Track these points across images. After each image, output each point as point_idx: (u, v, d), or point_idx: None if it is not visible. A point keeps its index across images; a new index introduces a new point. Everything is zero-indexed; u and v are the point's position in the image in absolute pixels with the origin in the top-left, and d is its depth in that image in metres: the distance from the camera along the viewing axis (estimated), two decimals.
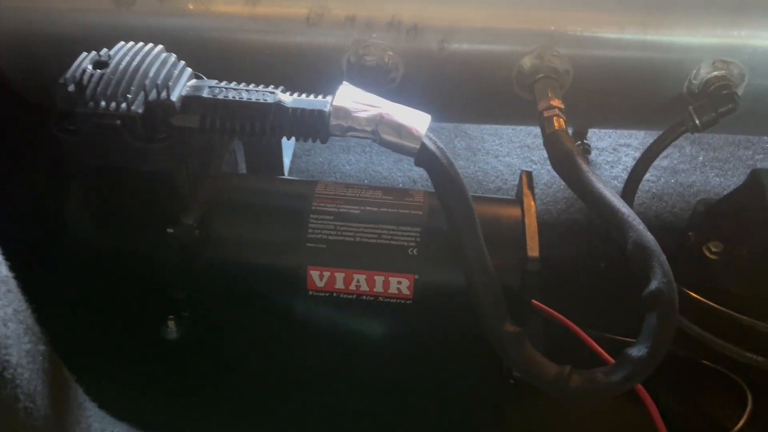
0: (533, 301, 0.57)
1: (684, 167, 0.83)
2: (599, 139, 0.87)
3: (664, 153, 0.87)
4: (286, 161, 0.82)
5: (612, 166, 0.84)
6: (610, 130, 0.88)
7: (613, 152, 0.85)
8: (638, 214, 0.78)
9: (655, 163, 0.85)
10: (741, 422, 0.52)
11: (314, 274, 0.54)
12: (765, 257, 0.59)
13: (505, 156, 0.85)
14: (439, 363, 0.59)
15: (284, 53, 0.66)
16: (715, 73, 0.63)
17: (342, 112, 0.49)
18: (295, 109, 0.49)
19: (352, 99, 0.50)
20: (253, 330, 0.61)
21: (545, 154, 0.57)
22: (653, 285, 0.46)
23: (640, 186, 0.81)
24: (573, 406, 0.56)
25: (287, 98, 0.50)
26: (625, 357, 0.46)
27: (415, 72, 0.66)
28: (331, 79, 0.55)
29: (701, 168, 0.83)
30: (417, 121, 0.49)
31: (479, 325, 0.49)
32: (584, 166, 0.54)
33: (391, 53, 0.65)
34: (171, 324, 0.60)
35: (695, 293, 0.61)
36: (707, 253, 0.63)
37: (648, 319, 0.46)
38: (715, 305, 0.59)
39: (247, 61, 0.66)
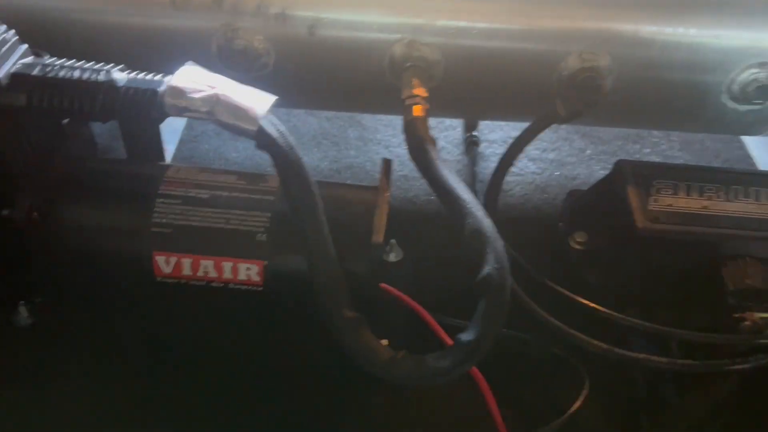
0: (383, 285, 0.56)
1: (571, 160, 0.84)
2: (491, 131, 0.87)
3: (552, 146, 0.88)
4: (171, 148, 0.81)
5: None
6: (502, 124, 0.88)
7: (503, 145, 0.85)
8: (519, 204, 0.81)
9: (543, 155, 0.87)
10: (577, 403, 0.53)
11: (160, 259, 0.53)
12: (620, 248, 0.60)
13: (396, 147, 0.85)
14: (297, 352, 0.59)
15: (152, 36, 0.65)
16: (583, 64, 0.64)
17: (177, 92, 0.48)
18: (127, 89, 0.48)
19: (192, 79, 0.49)
20: (105, 319, 0.59)
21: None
22: (485, 270, 0.46)
23: (524, 177, 0.83)
24: (419, 393, 0.57)
25: (122, 77, 0.48)
26: (456, 342, 0.46)
27: (286, 58, 0.65)
28: (203, 65, 0.54)
29: (587, 161, 0.84)
30: (257, 102, 0.49)
31: (318, 310, 0.49)
32: (432, 154, 0.54)
33: (260, 38, 0.64)
34: (23, 310, 0.58)
35: (562, 284, 0.62)
36: (572, 244, 0.64)
37: (479, 304, 0.46)
38: (572, 296, 0.59)
39: (114, 44, 0.65)
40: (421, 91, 0.60)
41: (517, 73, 0.66)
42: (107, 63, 0.51)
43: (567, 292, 0.59)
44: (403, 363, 0.47)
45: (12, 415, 0.57)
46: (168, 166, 0.56)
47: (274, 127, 0.48)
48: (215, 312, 0.55)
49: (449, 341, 0.53)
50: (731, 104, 0.67)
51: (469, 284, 0.67)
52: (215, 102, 0.47)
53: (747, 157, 0.86)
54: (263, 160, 0.83)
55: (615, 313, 0.57)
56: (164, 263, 0.53)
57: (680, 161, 0.85)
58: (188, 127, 0.85)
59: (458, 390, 0.55)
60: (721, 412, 0.55)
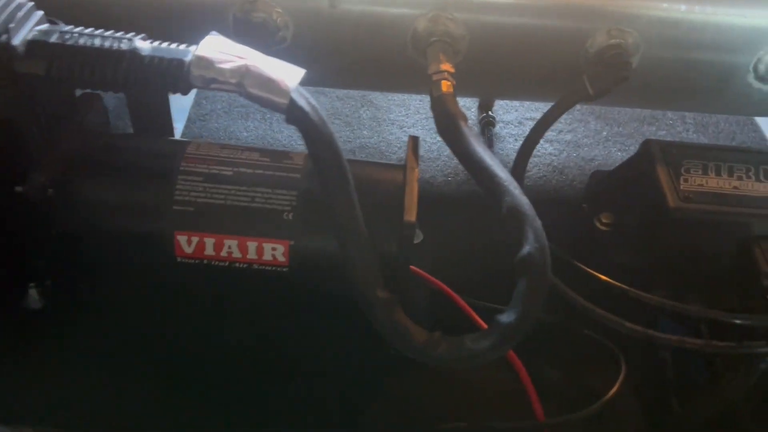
0: (413, 267, 0.55)
1: (587, 141, 0.83)
2: (506, 112, 0.86)
3: (569, 127, 0.87)
4: (180, 126, 0.78)
5: (516, 140, 0.83)
6: (517, 105, 0.87)
7: (518, 125, 0.84)
8: (538, 186, 0.79)
9: (559, 137, 0.86)
10: (614, 388, 0.51)
11: (182, 239, 0.51)
12: (651, 228, 0.58)
13: (410, 127, 0.83)
14: (317, 333, 0.57)
15: (165, 7, 0.62)
16: (611, 41, 0.62)
17: (204, 63, 0.45)
18: (152, 58, 0.45)
19: (218, 49, 0.47)
20: (123, 301, 0.57)
21: None
22: (525, 250, 0.44)
23: (542, 159, 0.81)
24: (452, 376, 0.55)
25: (146, 46, 0.46)
26: (495, 323, 0.45)
27: (305, 32, 0.63)
28: None
29: (604, 143, 0.83)
30: (288, 74, 0.46)
31: (351, 290, 0.47)
32: (465, 130, 0.52)
33: (279, 10, 0.62)
34: (33, 292, 0.56)
35: (587, 265, 0.61)
36: (598, 225, 0.63)
37: (518, 285, 0.44)
38: (602, 277, 0.58)
39: (124, 15, 0.62)
40: (448, 67, 0.58)
41: (543, 50, 0.64)
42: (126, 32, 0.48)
43: (597, 274, 0.58)
44: (441, 344, 0.45)
45: (20, 399, 0.55)
46: (188, 142, 0.54)
47: (305, 100, 0.46)
48: (239, 294, 0.54)
49: (482, 323, 0.51)
50: (757, 84, 0.66)
51: (488, 266, 0.67)
52: (244, 73, 0.45)
53: (763, 139, 0.85)
54: (274, 140, 0.82)
55: (645, 294, 0.56)
56: (186, 243, 0.51)
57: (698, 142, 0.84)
58: (196, 105, 0.83)
59: (490, 373, 0.53)
60: (752, 396, 0.54)
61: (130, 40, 0.46)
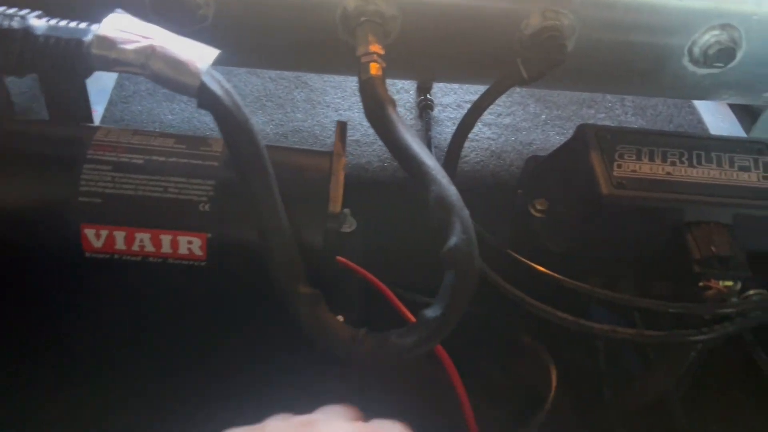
0: (340, 258, 0.52)
1: (526, 125, 0.81)
2: (444, 95, 0.84)
3: (507, 111, 0.85)
4: (99, 109, 0.74)
5: (454, 123, 0.80)
6: (456, 87, 0.85)
7: (456, 109, 0.82)
8: (475, 171, 0.78)
9: (498, 120, 0.84)
10: (550, 396, 0.50)
11: (89, 232, 0.47)
12: (584, 215, 0.57)
13: (347, 110, 0.81)
14: (245, 329, 0.54)
15: None
16: (546, 23, 0.61)
17: (106, 42, 0.42)
18: (47, 38, 0.41)
19: (122, 28, 0.43)
20: (30, 300, 0.53)
21: None
22: (452, 241, 0.42)
23: (479, 143, 0.80)
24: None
25: (40, 24, 0.42)
26: (421, 318, 0.43)
27: (228, 10, 0.59)
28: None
29: (543, 126, 0.82)
30: (199, 55, 0.43)
31: (273, 285, 0.45)
32: (393, 116, 0.49)
33: None
34: None
35: (523, 253, 0.59)
36: (532, 212, 0.61)
37: (445, 278, 0.42)
38: (535, 266, 0.57)
39: None
40: (377, 48, 0.55)
41: (478, 32, 0.62)
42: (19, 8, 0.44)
43: (528, 262, 0.57)
44: (365, 342, 0.43)
45: None
46: (96, 128, 0.50)
47: (218, 84, 0.43)
48: (154, 290, 0.50)
49: (411, 317, 0.50)
50: (691, 68, 0.66)
51: (426, 256, 0.65)
52: (150, 54, 0.42)
53: (699, 122, 0.86)
54: (202, 124, 0.78)
55: (578, 283, 0.55)
56: (94, 237, 0.47)
57: (634, 126, 0.84)
58: (118, 87, 0.78)
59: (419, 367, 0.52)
60: (682, 382, 0.54)
61: (23, 17, 0.42)
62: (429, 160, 0.46)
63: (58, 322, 0.53)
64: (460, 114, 0.83)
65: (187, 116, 0.75)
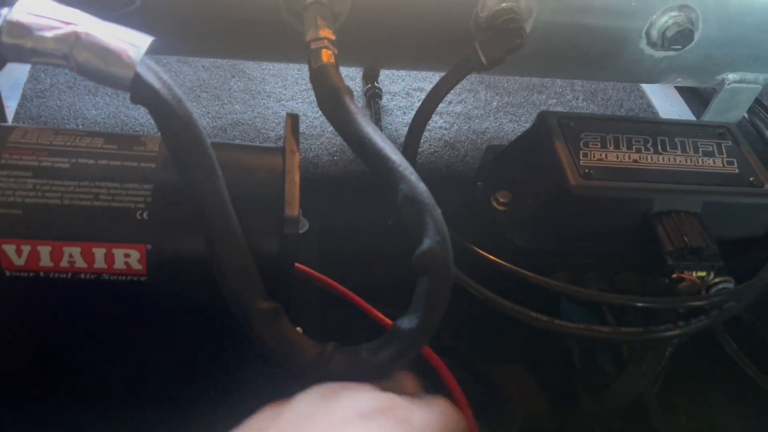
0: (299, 266, 0.48)
1: (478, 113, 0.78)
2: (392, 82, 0.80)
3: (458, 98, 0.82)
4: (12, 105, 0.66)
5: (404, 112, 0.77)
6: (404, 74, 0.81)
7: (406, 97, 0.78)
8: (429, 163, 0.74)
9: (449, 109, 0.81)
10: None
11: (8, 248, 0.41)
12: (551, 207, 0.55)
13: (289, 100, 0.75)
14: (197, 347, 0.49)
15: None
16: (503, 5, 0.57)
17: (20, 30, 0.36)
18: None
19: (38, 13, 0.37)
20: None
21: None
22: (425, 244, 0.38)
23: (432, 134, 0.76)
24: None
25: None
26: (395, 330, 0.39)
27: None
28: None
29: (495, 114, 0.79)
30: (131, 43, 0.38)
31: (225, 299, 0.40)
32: (352, 107, 0.45)
33: None
34: None
35: (485, 248, 0.56)
36: (495, 204, 0.58)
37: (419, 285, 0.39)
38: (501, 262, 0.54)
39: None
40: (327, 33, 0.51)
41: (431, 14, 0.58)
42: None
43: (495, 258, 0.54)
44: (334, 357, 0.39)
45: None
46: (11, 128, 0.43)
47: (154, 75, 0.38)
48: (87, 310, 0.45)
49: (389, 324, 0.45)
50: (648, 50, 0.64)
51: (381, 257, 0.61)
52: (74, 42, 0.36)
53: (649, 106, 0.85)
54: (129, 119, 0.71)
55: (547, 279, 0.52)
56: (14, 254, 0.41)
57: (586, 111, 0.82)
58: (33, 80, 0.70)
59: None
60: (658, 378, 0.52)
61: None
62: (394, 155, 0.42)
63: None
64: (409, 102, 0.79)
65: (113, 111, 0.68)
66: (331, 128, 0.73)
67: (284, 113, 0.73)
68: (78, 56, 0.36)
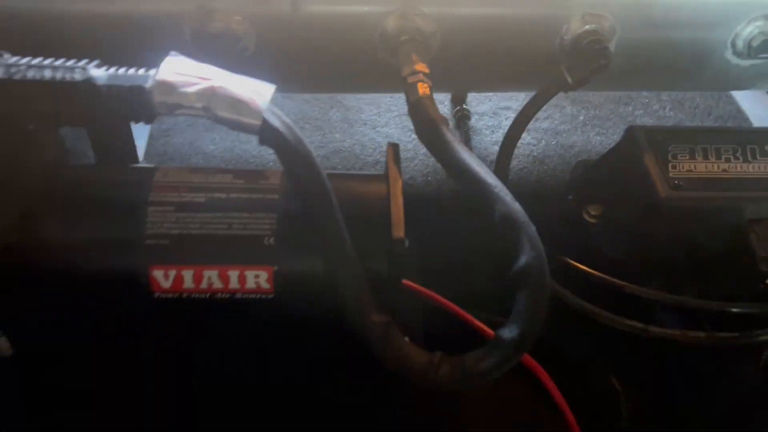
0: (406, 282, 0.52)
1: (565, 128, 0.81)
2: (479, 103, 0.83)
3: (545, 114, 0.85)
4: (141, 144, 0.75)
5: (492, 131, 0.81)
6: (491, 94, 0.85)
7: (493, 116, 0.82)
8: (519, 179, 0.77)
9: (536, 125, 0.84)
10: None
11: (158, 274, 0.47)
12: (642, 219, 0.57)
13: (383, 126, 0.81)
14: (311, 362, 0.54)
15: (119, 25, 0.58)
16: (586, 27, 0.60)
17: (167, 87, 0.42)
18: (110, 87, 0.42)
19: (179, 71, 0.43)
20: (98, 347, 0.53)
21: None
22: (522, 260, 0.42)
23: (521, 150, 0.79)
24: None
25: (101, 74, 0.43)
26: (497, 340, 0.43)
27: (268, 39, 0.60)
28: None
29: (582, 128, 0.81)
30: (257, 93, 0.44)
31: (344, 316, 0.45)
32: (448, 136, 0.49)
33: (239, 18, 0.58)
34: (1, 340, 0.52)
35: (577, 260, 0.59)
36: (587, 218, 0.61)
37: (518, 298, 0.42)
38: (595, 272, 0.56)
39: (73, 36, 0.58)
40: (422, 67, 0.55)
41: (517, 40, 0.61)
42: (68, 58, 0.45)
43: (590, 270, 0.56)
44: (442, 366, 0.43)
45: None
46: (155, 169, 0.50)
47: (278, 120, 0.43)
48: (223, 326, 0.51)
49: (491, 334, 0.49)
50: (735, 60, 0.65)
51: (480, 270, 0.64)
52: (211, 96, 0.42)
53: (739, 112, 0.85)
54: (243, 152, 0.79)
55: (643, 288, 0.54)
56: (162, 278, 0.48)
57: (674, 121, 0.83)
58: (157, 120, 0.78)
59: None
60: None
61: (83, 68, 0.42)
62: (489, 178, 0.46)
63: (127, 364, 0.53)
64: (497, 121, 0.83)
65: (228, 145, 0.75)
66: (423, 151, 0.78)
67: (380, 139, 0.79)
68: (215, 108, 0.42)
